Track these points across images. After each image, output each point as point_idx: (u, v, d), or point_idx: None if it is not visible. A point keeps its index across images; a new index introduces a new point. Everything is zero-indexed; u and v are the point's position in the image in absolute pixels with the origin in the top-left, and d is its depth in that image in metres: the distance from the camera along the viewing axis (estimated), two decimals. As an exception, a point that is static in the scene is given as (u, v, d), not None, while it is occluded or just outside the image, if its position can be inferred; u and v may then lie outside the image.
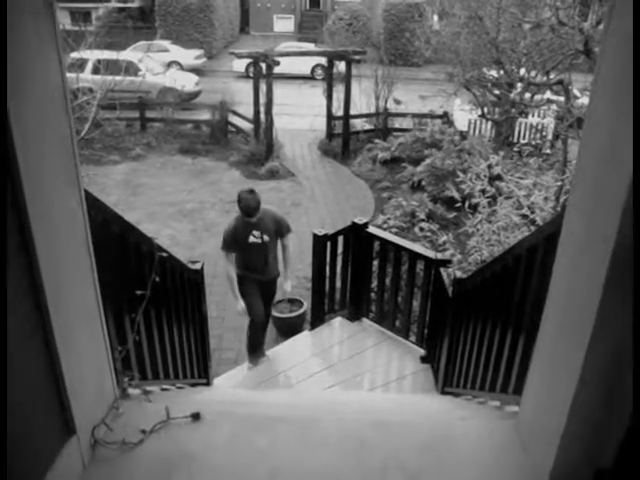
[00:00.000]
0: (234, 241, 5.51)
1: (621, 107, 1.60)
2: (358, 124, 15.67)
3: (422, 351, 5.31)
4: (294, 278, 7.01)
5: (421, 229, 7.18)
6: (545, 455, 2.05)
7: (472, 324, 3.68)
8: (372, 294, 6.18)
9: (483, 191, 6.11)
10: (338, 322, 6.12)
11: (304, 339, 6.19)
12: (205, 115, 16.16)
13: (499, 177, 6.34)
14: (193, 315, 4.11)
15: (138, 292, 2.83)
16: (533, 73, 10.59)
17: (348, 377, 5.09)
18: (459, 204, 6.58)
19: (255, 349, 5.96)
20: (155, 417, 2.38)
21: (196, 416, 2.43)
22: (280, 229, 5.65)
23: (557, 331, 2.10)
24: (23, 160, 1.57)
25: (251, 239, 5.52)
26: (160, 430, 2.34)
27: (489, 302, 3.39)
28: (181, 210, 11.29)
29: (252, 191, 5.38)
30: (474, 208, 6.22)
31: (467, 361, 3.76)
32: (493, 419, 2.63)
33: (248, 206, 5.31)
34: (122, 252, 2.73)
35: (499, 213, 5.60)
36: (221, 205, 11.56)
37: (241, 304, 5.64)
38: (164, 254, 3.12)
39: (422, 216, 8.10)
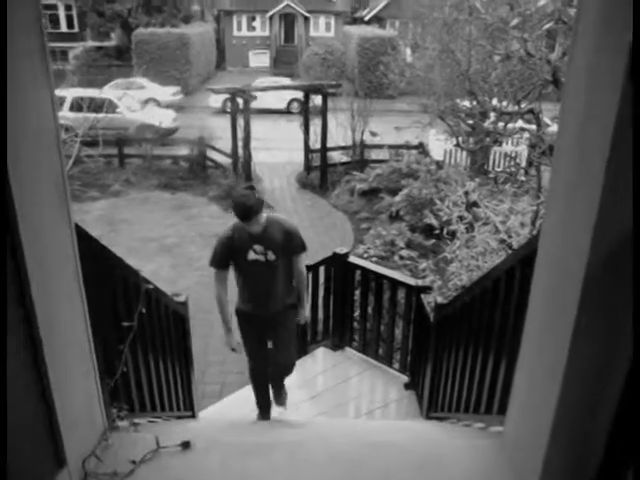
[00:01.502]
0: (228, 256, 4.08)
1: (586, 135, 1.69)
2: (335, 156, 15.85)
3: (406, 378, 5.35)
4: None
5: (401, 257, 7.29)
6: (531, 471, 2.10)
7: (454, 348, 3.74)
8: (355, 323, 6.22)
9: (460, 217, 6.23)
10: (321, 352, 6.14)
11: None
12: (183, 151, 16.26)
13: (476, 204, 6.48)
14: (178, 348, 4.12)
15: (125, 324, 2.86)
16: (505, 103, 10.84)
17: (333, 406, 5.11)
18: (437, 231, 6.69)
19: (260, 408, 4.67)
20: (145, 447, 2.40)
21: (186, 444, 2.45)
22: (291, 245, 4.10)
23: (536, 349, 2.17)
24: (18, 194, 1.62)
25: (251, 256, 4.01)
26: (150, 460, 2.36)
27: (470, 325, 3.45)
28: (162, 245, 11.30)
29: (251, 187, 3.96)
30: (452, 235, 6.33)
31: (451, 385, 3.81)
32: (479, 439, 2.68)
33: (243, 204, 3.81)
34: (110, 284, 2.76)
35: (477, 239, 5.71)
36: (201, 239, 11.58)
37: (235, 339, 4.38)
38: (150, 286, 3.16)
39: (402, 244, 8.21)
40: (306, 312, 4.51)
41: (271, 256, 4.04)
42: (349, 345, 6.06)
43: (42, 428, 1.93)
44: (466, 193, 6.74)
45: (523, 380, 2.30)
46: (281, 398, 4.77)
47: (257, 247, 4.02)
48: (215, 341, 7.56)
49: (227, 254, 4.10)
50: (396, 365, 5.61)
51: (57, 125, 1.89)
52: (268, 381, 4.59)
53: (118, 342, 2.81)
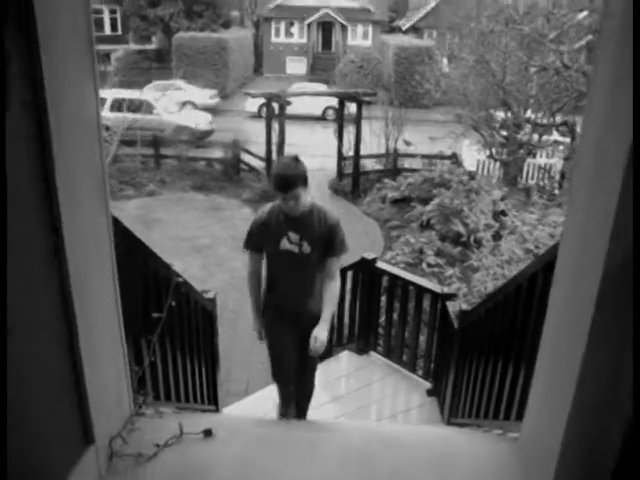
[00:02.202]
0: (262, 240, 3.60)
1: (605, 144, 1.74)
2: (368, 164, 15.91)
3: (428, 384, 5.38)
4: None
5: (429, 265, 7.31)
6: (544, 474, 2.13)
7: (477, 354, 3.77)
8: (380, 329, 6.26)
9: (488, 226, 6.24)
10: (346, 355, 6.19)
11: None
12: (218, 153, 16.47)
13: (504, 212, 6.48)
14: (205, 342, 4.22)
15: (155, 315, 2.96)
16: (540, 114, 10.81)
17: (355, 409, 5.15)
18: (464, 239, 6.71)
19: (283, 405, 4.06)
20: (168, 432, 2.49)
21: (208, 432, 2.53)
22: (332, 241, 3.55)
23: (552, 356, 2.21)
24: (63, 187, 1.72)
25: (284, 245, 3.52)
26: (173, 445, 2.45)
27: (493, 331, 3.49)
28: (194, 245, 11.47)
29: (296, 159, 3.44)
30: (479, 243, 6.35)
31: (472, 391, 3.83)
32: (495, 443, 2.71)
33: (282, 171, 3.37)
34: (142, 276, 2.87)
35: (503, 247, 5.72)
36: (233, 241, 11.72)
37: (259, 327, 3.88)
38: (180, 279, 3.26)
39: (430, 252, 8.23)
40: (324, 334, 3.52)
41: (306, 248, 3.50)
42: (374, 349, 6.10)
43: (74, 405, 2.03)
44: (493, 202, 6.75)
45: (539, 386, 2.34)
46: (304, 409, 4.22)
47: (292, 235, 3.49)
48: (240, 342, 7.67)
49: (261, 238, 3.60)
50: (419, 371, 5.64)
51: (100, 123, 1.99)
52: (288, 385, 3.95)
53: (147, 332, 2.91)
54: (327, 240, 3.55)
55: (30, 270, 1.67)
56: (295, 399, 4.04)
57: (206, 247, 11.52)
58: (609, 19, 1.77)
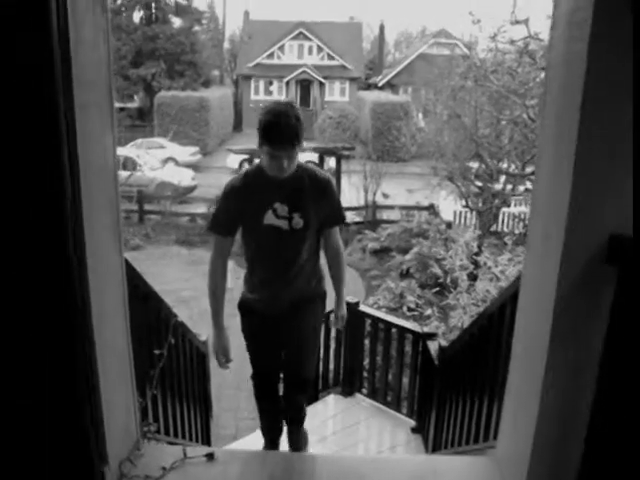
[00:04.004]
0: (236, 216, 2.86)
1: (555, 189, 2.05)
2: (348, 216, 16.26)
3: (413, 422, 5.58)
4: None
5: (409, 309, 7.61)
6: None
7: (456, 386, 4.02)
8: (364, 371, 6.48)
9: (462, 267, 6.57)
10: (332, 398, 6.38)
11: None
12: (201, 208, 16.80)
13: (477, 254, 6.84)
14: (198, 383, 4.42)
15: (156, 351, 3.19)
16: (513, 165, 11.31)
17: (341, 448, 5.32)
18: (441, 279, 7.04)
19: (267, 435, 3.50)
20: (173, 456, 2.69)
21: (210, 456, 2.74)
22: (328, 209, 2.90)
23: (519, 377, 2.47)
24: (87, 224, 1.98)
25: (269, 219, 2.79)
26: (178, 467, 2.65)
27: (470, 362, 3.74)
28: (178, 297, 11.65)
29: (292, 105, 2.70)
30: (455, 283, 6.68)
31: (454, 421, 4.05)
32: (473, 458, 2.94)
33: (280, 125, 2.56)
34: (145, 313, 3.10)
35: (478, 287, 6.04)
36: (217, 292, 11.93)
37: (226, 345, 3.12)
38: (179, 320, 3.50)
39: (410, 297, 8.55)
40: (344, 309, 3.29)
41: (298, 222, 2.78)
42: (359, 391, 6.30)
43: (92, 427, 2.23)
44: (466, 244, 7.12)
45: (510, 401, 2.59)
46: (298, 440, 3.49)
47: (279, 207, 2.75)
48: (228, 389, 7.82)
49: (235, 213, 2.81)
50: (404, 410, 5.84)
51: (115, 160, 2.27)
52: (278, 402, 3.36)
53: (150, 367, 3.13)
54: (323, 208, 2.84)
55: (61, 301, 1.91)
56: (286, 423, 3.42)
57: (190, 299, 11.71)
58: (550, 70, 2.11)
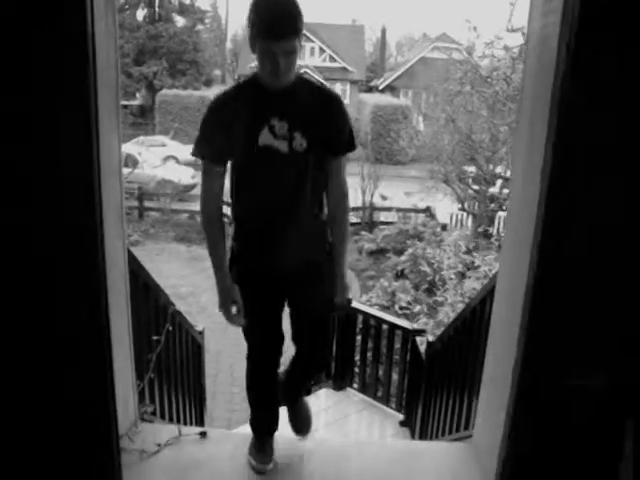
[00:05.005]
0: (226, 135, 2.24)
1: (525, 190, 2.22)
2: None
3: (401, 416, 5.75)
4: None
5: (400, 307, 7.79)
6: (492, 462, 2.54)
7: (441, 378, 4.19)
8: (355, 367, 6.65)
9: (450, 265, 6.76)
10: (324, 392, 6.54)
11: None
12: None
13: (468, 252, 7.02)
14: (193, 373, 4.58)
15: (154, 337, 3.36)
16: (509, 170, 11.53)
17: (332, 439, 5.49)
18: (430, 277, 7.22)
19: (257, 427, 2.80)
20: (168, 434, 2.86)
21: (203, 434, 2.91)
22: (336, 129, 2.34)
23: (493, 366, 2.64)
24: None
25: (265, 138, 2.24)
26: (173, 444, 2.82)
27: (454, 355, 3.91)
28: (176, 293, 11.79)
29: None
30: (443, 281, 6.86)
31: (438, 413, 4.22)
32: (453, 443, 3.12)
33: (279, 10, 2.06)
34: (145, 299, 3.27)
35: (466, 284, 6.22)
36: (214, 289, 12.07)
37: (236, 296, 2.43)
38: (176, 308, 3.67)
39: (402, 296, 8.73)
40: (346, 278, 2.54)
41: (300, 143, 2.25)
42: (350, 386, 6.47)
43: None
44: (455, 243, 7.30)
45: (484, 390, 2.77)
46: (302, 420, 2.93)
47: (277, 123, 2.22)
48: (221, 383, 8.00)
49: (224, 132, 2.23)
50: (393, 404, 6.01)
51: (120, 164, 2.44)
52: (275, 381, 2.74)
53: (147, 352, 3.29)
54: (330, 128, 2.31)
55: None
56: (299, 368, 2.79)
57: (188, 295, 11.86)
58: (525, 80, 2.28)
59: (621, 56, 1.81)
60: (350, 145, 2.41)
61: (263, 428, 2.80)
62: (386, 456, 2.84)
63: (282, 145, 2.24)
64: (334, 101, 2.35)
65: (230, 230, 2.47)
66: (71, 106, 1.79)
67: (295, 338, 2.68)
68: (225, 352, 8.46)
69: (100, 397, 2.10)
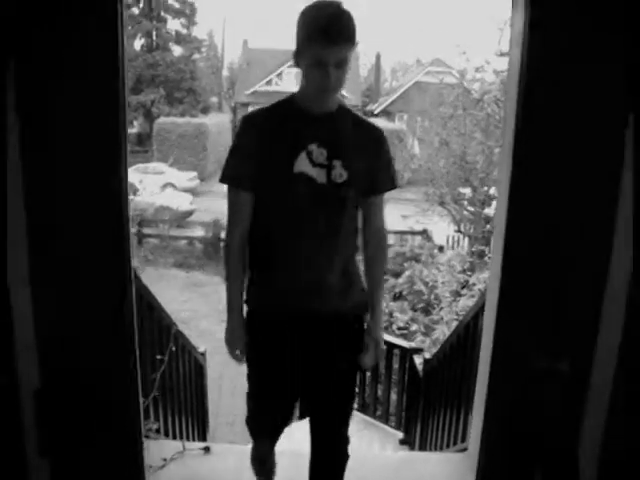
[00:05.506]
0: (257, 158, 2.00)
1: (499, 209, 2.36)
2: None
3: (401, 434, 5.81)
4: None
5: (398, 328, 7.89)
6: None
7: (439, 394, 4.28)
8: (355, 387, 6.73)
9: (444, 283, 6.88)
10: (324, 413, 6.61)
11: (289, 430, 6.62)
12: (199, 232, 17.10)
13: (463, 271, 7.15)
14: (197, 394, 4.67)
15: (158, 357, 3.46)
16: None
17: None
18: (425, 296, 7.33)
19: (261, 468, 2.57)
20: (173, 449, 2.95)
21: (207, 449, 3.00)
22: (378, 167, 2.11)
23: (483, 376, 2.76)
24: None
25: (301, 164, 1.98)
26: (178, 459, 2.91)
27: (450, 370, 4.01)
28: (176, 318, 11.85)
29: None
30: (439, 299, 6.98)
31: (437, 428, 4.31)
32: (449, 454, 3.21)
33: (327, 14, 1.83)
34: (149, 319, 3.38)
35: (460, 302, 6.33)
36: (215, 314, 12.18)
37: (237, 333, 2.16)
38: (178, 329, 3.78)
39: (399, 315, 8.82)
40: (381, 337, 2.20)
41: (340, 173, 2.00)
42: (349, 406, 6.53)
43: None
44: (449, 262, 7.42)
45: (478, 402, 2.87)
46: None
47: (316, 150, 1.98)
48: (224, 406, 8.04)
49: (255, 156, 2.01)
50: (393, 423, 6.08)
51: (126, 190, 2.56)
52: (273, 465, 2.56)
53: (151, 371, 3.39)
54: (371, 162, 2.09)
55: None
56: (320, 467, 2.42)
57: (189, 320, 11.94)
58: (506, 103, 2.42)
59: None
60: (393, 181, 2.19)
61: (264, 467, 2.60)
62: (384, 466, 2.93)
63: (320, 174, 1.99)
64: (379, 135, 2.14)
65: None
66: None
67: (308, 413, 2.30)
68: (227, 373, 8.52)
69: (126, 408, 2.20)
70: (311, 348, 2.10)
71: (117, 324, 2.20)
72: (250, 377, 2.25)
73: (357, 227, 2.16)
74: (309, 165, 1.98)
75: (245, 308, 2.16)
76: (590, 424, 2.20)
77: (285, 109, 2.07)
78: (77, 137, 2.01)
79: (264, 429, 2.41)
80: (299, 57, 1.95)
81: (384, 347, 2.27)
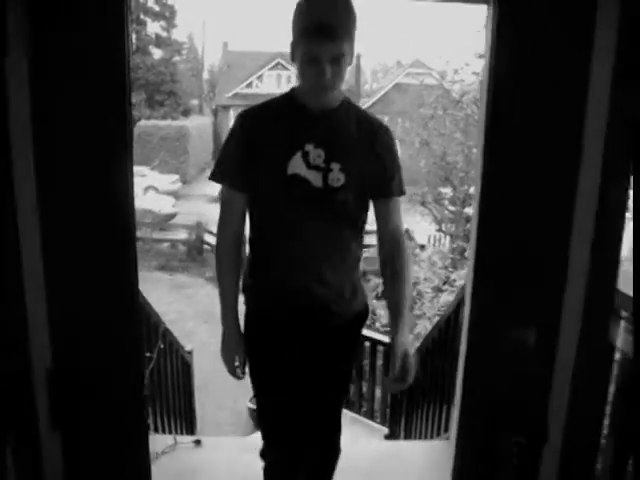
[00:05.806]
0: (251, 157, 1.88)
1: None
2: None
3: (386, 430, 5.92)
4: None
5: (382, 325, 8.00)
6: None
7: (423, 388, 4.38)
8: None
9: (426, 279, 7.01)
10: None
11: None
12: (181, 235, 17.13)
13: (445, 268, 7.29)
14: (184, 390, 4.74)
15: (147, 354, 3.53)
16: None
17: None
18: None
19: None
20: (164, 442, 3.03)
21: (198, 442, 3.08)
22: (385, 170, 1.95)
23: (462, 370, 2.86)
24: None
25: (295, 166, 1.85)
26: (169, 452, 2.99)
27: (433, 363, 4.12)
28: (164, 319, 11.93)
29: None
30: (421, 295, 7.11)
31: (421, 422, 4.41)
32: (433, 442, 3.32)
33: (325, 8, 1.69)
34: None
35: (442, 297, 6.46)
36: (199, 316, 12.24)
37: (241, 351, 2.09)
38: (167, 327, 3.85)
39: (382, 312, 8.95)
40: (410, 356, 1.89)
41: (337, 178, 1.87)
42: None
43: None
44: (429, 259, 7.55)
45: (459, 392, 2.98)
46: None
47: (312, 150, 1.85)
48: (210, 408, 8.11)
49: (250, 154, 1.89)
50: (378, 419, 6.19)
51: (132, 194, 2.60)
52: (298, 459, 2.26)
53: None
54: (377, 164, 1.94)
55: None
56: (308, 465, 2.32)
57: (173, 322, 11.95)
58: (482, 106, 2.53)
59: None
60: (401, 186, 2.01)
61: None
62: (369, 457, 3.03)
63: (316, 178, 1.86)
64: (384, 133, 1.97)
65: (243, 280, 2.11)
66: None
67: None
68: (218, 370, 8.58)
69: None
70: (308, 349, 2.05)
71: (129, 316, 2.25)
72: (255, 386, 2.13)
73: (361, 231, 2.05)
74: (304, 167, 1.85)
75: (244, 309, 2.08)
76: (556, 393, 2.29)
77: (283, 105, 1.95)
78: (85, 137, 2.03)
79: (283, 434, 2.23)
80: (294, 51, 1.81)
81: (412, 362, 1.88)
